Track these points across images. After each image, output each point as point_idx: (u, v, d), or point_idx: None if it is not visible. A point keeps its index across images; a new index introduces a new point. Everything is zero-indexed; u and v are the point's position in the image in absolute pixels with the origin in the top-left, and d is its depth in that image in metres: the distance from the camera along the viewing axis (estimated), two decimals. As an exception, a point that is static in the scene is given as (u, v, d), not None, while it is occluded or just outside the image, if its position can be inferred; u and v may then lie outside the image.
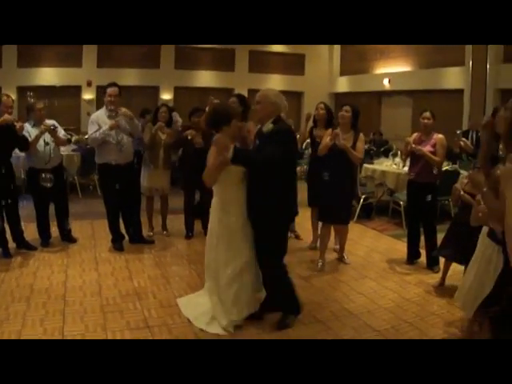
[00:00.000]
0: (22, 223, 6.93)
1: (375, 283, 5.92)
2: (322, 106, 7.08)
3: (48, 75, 16.96)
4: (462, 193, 5.35)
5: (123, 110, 6.70)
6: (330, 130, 6.32)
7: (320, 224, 6.74)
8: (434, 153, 6.26)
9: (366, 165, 9.83)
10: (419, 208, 6.40)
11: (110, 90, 6.73)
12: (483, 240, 4.29)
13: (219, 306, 4.61)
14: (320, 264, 6.47)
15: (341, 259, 6.70)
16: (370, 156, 11.34)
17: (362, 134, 6.41)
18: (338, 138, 6.04)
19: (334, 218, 6.42)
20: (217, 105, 5.88)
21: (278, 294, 4.72)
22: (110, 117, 6.69)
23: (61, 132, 7.04)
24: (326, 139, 6.23)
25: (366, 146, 12.59)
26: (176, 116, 9.25)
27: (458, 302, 4.72)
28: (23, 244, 6.84)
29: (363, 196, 9.01)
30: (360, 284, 5.90)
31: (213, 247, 4.70)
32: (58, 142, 6.94)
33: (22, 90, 16.10)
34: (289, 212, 4.72)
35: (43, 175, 6.51)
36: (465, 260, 5.32)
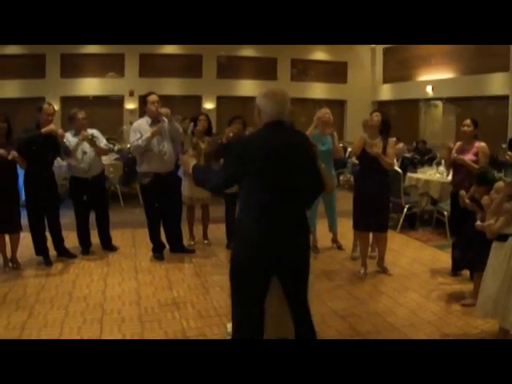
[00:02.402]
0: (63, 231, 6.99)
1: (418, 295, 5.77)
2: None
3: (91, 85, 17.29)
4: (467, 201, 5.34)
5: (163, 109, 6.72)
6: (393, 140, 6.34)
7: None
8: (476, 161, 6.12)
9: (409, 174, 9.68)
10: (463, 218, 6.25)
11: (151, 98, 6.76)
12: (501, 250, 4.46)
13: None
14: (362, 272, 6.42)
15: (383, 270, 6.55)
16: (413, 165, 11.17)
17: (391, 139, 6.33)
18: (368, 145, 6.01)
19: (371, 226, 6.35)
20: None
21: None
22: (152, 125, 6.72)
23: (102, 141, 7.11)
24: (357, 139, 6.35)
25: (410, 155, 12.48)
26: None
27: (481, 311, 4.63)
28: (64, 252, 6.91)
29: (407, 206, 8.84)
30: (402, 296, 5.75)
31: None
32: (99, 152, 7.01)
33: (65, 100, 16.46)
34: (248, 251, 3.39)
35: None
36: (473, 266, 5.56)
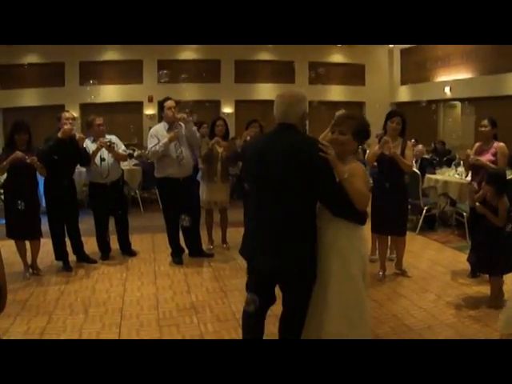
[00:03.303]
0: (83, 237, 7.06)
1: (437, 297, 5.73)
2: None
3: (110, 92, 17.42)
4: (477, 204, 5.38)
5: (180, 114, 6.77)
6: (399, 140, 6.24)
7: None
8: (494, 162, 6.08)
9: (428, 175, 9.63)
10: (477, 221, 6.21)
11: (168, 103, 6.83)
12: None
13: None
14: (381, 274, 6.41)
15: (402, 273, 6.52)
16: (432, 166, 11.09)
17: (409, 142, 6.36)
18: (387, 146, 5.94)
19: (388, 229, 6.34)
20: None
21: None
22: (169, 130, 6.78)
23: (121, 147, 7.18)
24: (375, 147, 6.17)
25: (428, 156, 12.38)
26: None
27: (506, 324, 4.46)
28: (83, 257, 6.99)
29: (426, 207, 8.79)
30: (421, 298, 5.72)
31: None
32: (118, 158, 7.08)
33: (84, 107, 16.60)
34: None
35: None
36: (488, 271, 5.48)
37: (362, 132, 3.60)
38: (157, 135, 6.76)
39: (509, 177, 7.74)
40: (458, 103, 16.44)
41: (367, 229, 6.93)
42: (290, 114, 3.42)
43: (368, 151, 7.36)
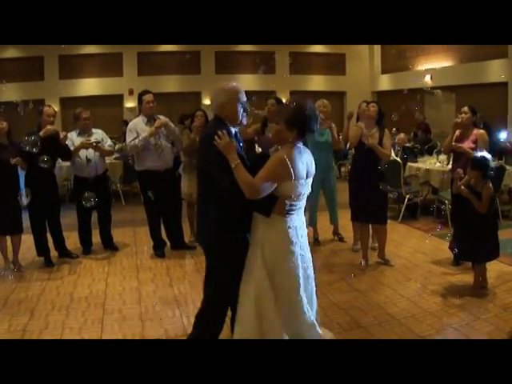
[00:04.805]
0: (64, 232, 6.99)
1: (420, 286, 5.74)
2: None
3: (90, 85, 17.33)
4: (462, 187, 5.35)
5: (161, 119, 6.73)
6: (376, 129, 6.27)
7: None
8: (474, 149, 6.09)
9: (409, 163, 9.65)
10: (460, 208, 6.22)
11: (147, 97, 6.78)
12: None
13: None
14: (363, 263, 6.40)
15: (384, 262, 6.51)
16: (414, 154, 11.13)
17: (387, 130, 6.36)
18: (365, 136, 5.97)
19: (369, 218, 6.35)
20: None
21: None
22: (148, 123, 6.72)
23: (107, 142, 7.18)
24: (354, 129, 6.37)
25: (410, 144, 12.43)
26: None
27: None
28: (65, 252, 6.93)
29: (407, 195, 8.81)
30: (404, 287, 5.72)
31: None
32: (105, 155, 7.11)
33: (64, 101, 16.47)
34: None
35: (86, 194, 6.45)
36: (471, 258, 5.53)
37: (295, 119, 3.51)
38: (136, 129, 6.70)
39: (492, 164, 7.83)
40: (439, 91, 16.48)
41: (344, 218, 6.98)
42: (213, 105, 3.73)
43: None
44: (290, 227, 3.55)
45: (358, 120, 7.05)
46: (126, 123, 16.69)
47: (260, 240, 3.55)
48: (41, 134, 6.19)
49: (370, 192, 6.13)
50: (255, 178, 3.38)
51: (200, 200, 3.81)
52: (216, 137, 3.41)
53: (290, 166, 3.40)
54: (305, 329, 3.62)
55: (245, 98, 3.70)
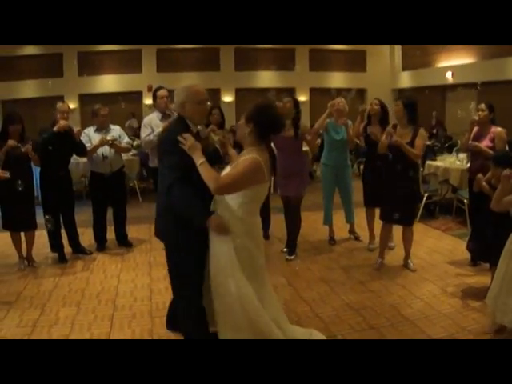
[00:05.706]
0: (80, 228, 7.02)
1: (435, 287, 5.63)
2: (377, 101, 6.79)
3: (109, 82, 17.39)
4: (483, 183, 5.18)
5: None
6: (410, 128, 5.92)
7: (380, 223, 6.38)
8: (492, 147, 5.94)
9: (428, 161, 9.50)
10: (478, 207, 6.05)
11: (161, 92, 6.80)
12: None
13: None
14: (378, 262, 6.26)
15: (406, 265, 6.27)
16: (433, 152, 10.98)
17: (422, 130, 5.94)
18: (391, 136, 5.76)
19: (395, 218, 6.01)
20: None
21: None
22: (163, 119, 6.70)
23: (124, 139, 7.18)
24: (383, 137, 5.95)
25: (430, 143, 12.25)
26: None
27: (488, 302, 4.44)
28: (79, 249, 6.94)
29: (426, 194, 8.68)
30: (419, 288, 5.62)
31: None
32: (121, 151, 7.13)
33: (83, 98, 16.56)
34: None
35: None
36: (488, 259, 5.35)
37: (256, 116, 3.61)
38: (150, 124, 6.71)
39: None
40: (460, 88, 16.28)
41: (360, 217, 6.88)
42: (175, 105, 3.87)
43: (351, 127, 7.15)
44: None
45: (368, 118, 6.86)
46: (133, 116, 16.90)
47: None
48: (54, 129, 6.20)
49: (399, 193, 5.84)
50: (223, 175, 3.54)
51: (159, 198, 3.92)
52: (181, 139, 3.52)
53: (263, 167, 3.54)
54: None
55: (205, 98, 3.78)
